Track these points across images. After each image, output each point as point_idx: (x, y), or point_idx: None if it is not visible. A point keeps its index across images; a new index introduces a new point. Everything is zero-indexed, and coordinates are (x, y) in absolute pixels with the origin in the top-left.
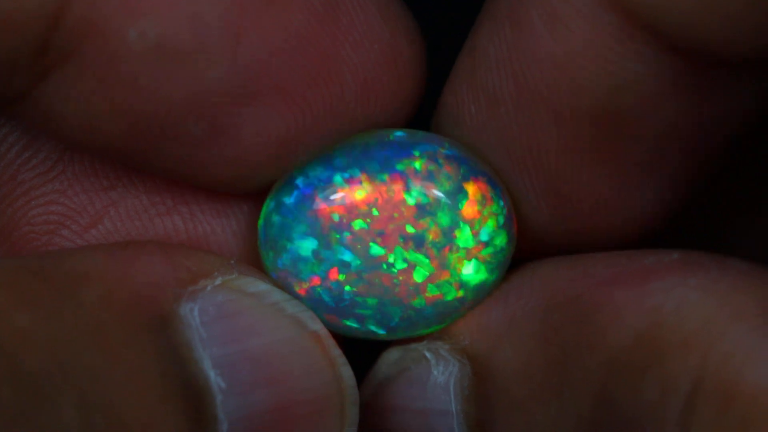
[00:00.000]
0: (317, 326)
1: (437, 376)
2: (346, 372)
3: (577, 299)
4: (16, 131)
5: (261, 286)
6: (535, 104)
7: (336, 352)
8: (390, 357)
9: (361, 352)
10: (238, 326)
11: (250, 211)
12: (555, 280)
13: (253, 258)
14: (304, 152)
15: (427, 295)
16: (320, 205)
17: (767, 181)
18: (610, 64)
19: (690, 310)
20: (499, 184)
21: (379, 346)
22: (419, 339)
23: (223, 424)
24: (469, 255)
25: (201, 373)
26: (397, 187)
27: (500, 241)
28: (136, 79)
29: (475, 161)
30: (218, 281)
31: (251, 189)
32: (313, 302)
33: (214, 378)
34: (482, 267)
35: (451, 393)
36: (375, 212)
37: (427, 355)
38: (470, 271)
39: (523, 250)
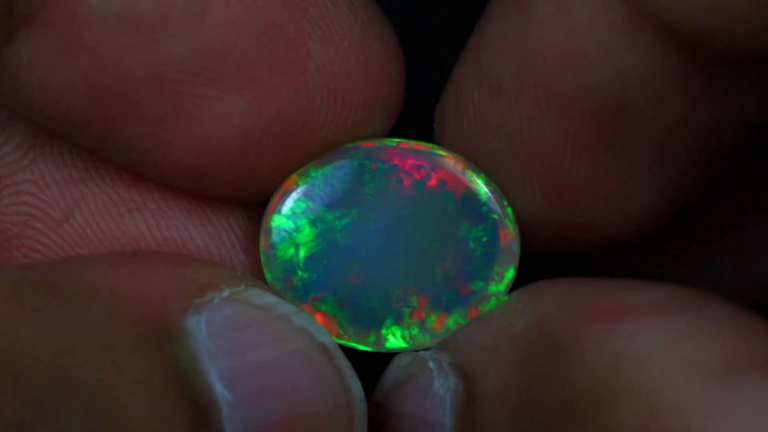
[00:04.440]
0: (326, 338)
1: (438, 388)
2: (355, 384)
3: (558, 330)
4: None
5: (269, 298)
6: (537, 94)
7: (345, 364)
8: (400, 362)
9: (366, 362)
10: (245, 339)
11: (221, 209)
12: (548, 305)
13: (227, 260)
14: (268, 150)
15: (433, 316)
16: (330, 222)
17: None
18: (617, 58)
19: (648, 358)
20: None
21: (384, 357)
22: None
23: None
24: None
25: (207, 385)
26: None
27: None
28: (98, 47)
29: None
30: (225, 293)
31: (218, 188)
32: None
33: (220, 390)
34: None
35: (447, 406)
36: (382, 231)
37: (431, 365)
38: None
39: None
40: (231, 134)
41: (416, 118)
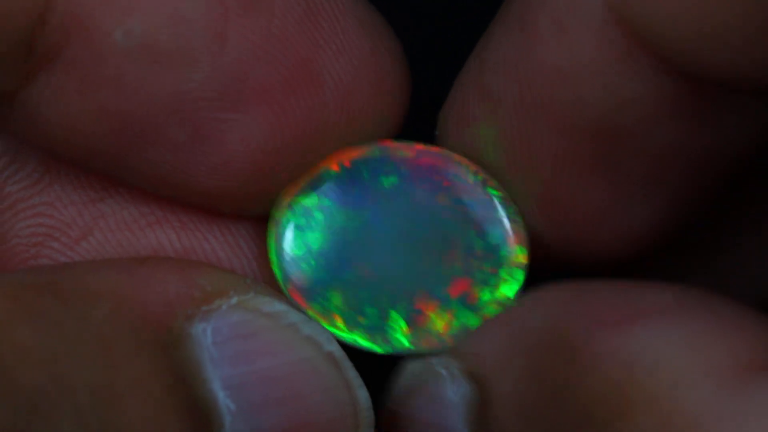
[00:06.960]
0: (333, 347)
1: (451, 395)
2: (362, 394)
3: (569, 336)
4: (1, 143)
5: (277, 306)
6: (535, 111)
7: (352, 373)
8: (413, 369)
9: (373, 366)
10: (251, 347)
11: (240, 220)
12: (558, 309)
13: (247, 270)
14: (285, 166)
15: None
16: (341, 221)
17: None
18: (612, 82)
19: (662, 364)
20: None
21: (391, 361)
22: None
23: None
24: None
25: (210, 393)
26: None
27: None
28: (120, 79)
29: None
30: (234, 300)
31: (237, 206)
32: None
33: (223, 399)
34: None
35: (460, 413)
36: (392, 232)
37: (444, 372)
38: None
39: None
40: (250, 155)
41: (418, 124)
